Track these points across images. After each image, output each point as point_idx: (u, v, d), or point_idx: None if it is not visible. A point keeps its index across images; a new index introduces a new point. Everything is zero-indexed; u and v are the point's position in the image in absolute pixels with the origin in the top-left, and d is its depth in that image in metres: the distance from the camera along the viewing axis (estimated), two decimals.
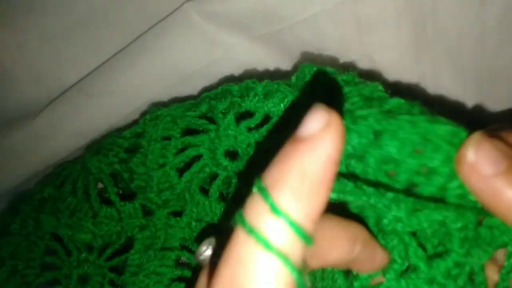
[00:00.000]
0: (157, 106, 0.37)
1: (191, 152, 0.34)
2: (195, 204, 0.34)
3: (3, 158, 0.46)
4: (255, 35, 0.38)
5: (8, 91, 0.42)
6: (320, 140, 0.17)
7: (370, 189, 0.23)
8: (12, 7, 0.38)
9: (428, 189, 0.24)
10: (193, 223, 0.35)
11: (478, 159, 0.22)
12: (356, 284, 0.24)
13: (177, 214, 0.36)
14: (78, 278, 0.38)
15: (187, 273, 0.36)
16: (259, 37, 0.38)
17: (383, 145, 0.24)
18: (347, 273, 0.25)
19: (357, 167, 0.25)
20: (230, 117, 0.32)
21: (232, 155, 0.33)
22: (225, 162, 0.33)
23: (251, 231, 0.16)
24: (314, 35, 0.37)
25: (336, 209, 0.25)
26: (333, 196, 0.23)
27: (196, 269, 0.36)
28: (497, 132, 0.24)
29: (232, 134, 0.32)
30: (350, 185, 0.24)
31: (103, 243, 0.38)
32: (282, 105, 0.31)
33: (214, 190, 0.33)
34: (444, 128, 0.23)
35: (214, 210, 0.34)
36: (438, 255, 0.24)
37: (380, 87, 0.28)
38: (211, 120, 0.34)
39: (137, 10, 0.38)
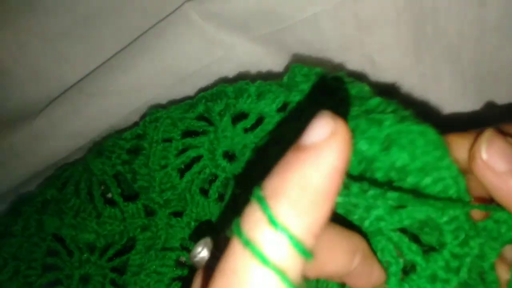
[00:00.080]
0: (156, 108, 0.38)
1: (191, 153, 0.35)
2: (195, 204, 0.35)
3: (3, 158, 0.46)
4: (255, 35, 0.38)
5: (8, 91, 0.42)
6: (324, 149, 0.16)
7: (354, 187, 0.23)
8: (12, 7, 0.38)
9: (405, 187, 0.24)
10: (193, 223, 0.36)
11: (490, 157, 0.23)
12: None
13: (178, 214, 0.37)
14: (79, 279, 0.38)
15: (188, 273, 0.36)
16: (259, 37, 0.38)
17: (355, 144, 0.25)
18: (342, 286, 0.25)
19: None
20: (227, 119, 0.33)
21: (230, 156, 0.34)
22: (223, 163, 0.33)
23: (247, 243, 0.15)
24: (314, 35, 0.37)
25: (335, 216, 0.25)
26: None
27: (193, 269, 0.36)
28: (505, 129, 0.24)
29: (229, 136, 0.33)
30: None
31: (106, 243, 0.39)
32: (274, 105, 0.32)
33: (213, 191, 0.34)
34: (409, 127, 0.23)
35: (212, 210, 0.34)
36: (434, 249, 0.24)
37: (367, 88, 0.29)
38: (209, 121, 0.35)
39: (137, 10, 0.38)
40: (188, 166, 0.35)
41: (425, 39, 0.37)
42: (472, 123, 0.40)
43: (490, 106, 0.40)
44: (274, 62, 0.40)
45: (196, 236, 0.36)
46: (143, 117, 0.39)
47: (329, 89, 0.28)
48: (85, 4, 0.38)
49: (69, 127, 0.44)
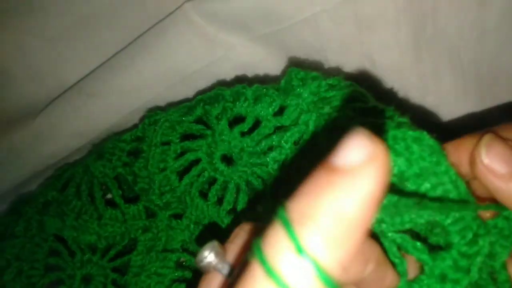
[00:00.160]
0: (154, 110, 0.38)
1: (190, 157, 0.35)
2: (194, 207, 0.36)
3: (3, 158, 0.46)
4: (255, 35, 0.38)
5: (8, 91, 0.42)
6: (361, 175, 0.14)
7: None
8: (12, 7, 0.38)
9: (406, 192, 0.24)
10: (192, 226, 0.36)
11: (491, 160, 0.23)
12: None
13: (178, 216, 0.37)
14: (81, 279, 0.39)
15: (188, 274, 0.37)
16: (259, 37, 0.38)
17: None
18: None
19: None
20: (224, 123, 0.33)
21: (228, 160, 0.34)
22: (221, 166, 0.34)
23: (271, 272, 0.14)
24: (314, 35, 0.37)
25: None
26: None
27: (194, 271, 0.36)
28: (504, 131, 0.24)
29: (227, 140, 0.33)
30: None
31: (107, 244, 0.39)
32: (270, 109, 0.32)
33: (212, 194, 0.34)
34: (404, 134, 0.24)
35: (211, 213, 0.35)
36: (441, 248, 0.24)
37: (364, 93, 0.29)
38: (206, 124, 0.35)
39: (137, 10, 0.38)
40: (187, 169, 0.36)
41: (425, 39, 0.37)
42: (472, 123, 0.40)
43: (490, 106, 0.40)
44: (274, 62, 0.40)
45: (200, 239, 0.36)
46: (142, 119, 0.39)
47: (380, 112, 0.28)
48: (85, 4, 0.38)
49: (69, 127, 0.44)
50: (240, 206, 0.34)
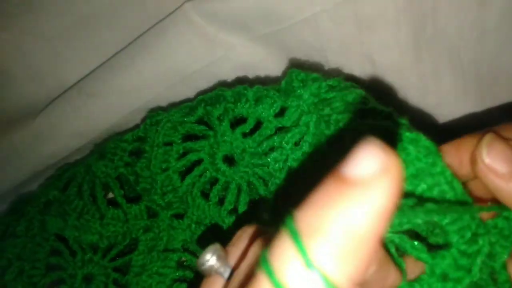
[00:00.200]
0: (156, 110, 0.39)
1: (192, 157, 0.36)
2: (196, 207, 0.36)
3: (3, 158, 0.46)
4: (255, 35, 0.38)
5: (8, 91, 0.42)
6: (374, 187, 0.14)
7: None
8: (11, 7, 0.38)
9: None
10: (193, 226, 0.37)
11: (492, 160, 0.23)
12: None
13: (180, 216, 0.38)
14: (82, 278, 0.39)
15: (189, 274, 0.37)
16: (259, 37, 0.38)
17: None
18: None
19: None
20: (226, 124, 0.34)
21: (230, 160, 0.35)
22: (223, 167, 0.34)
23: (278, 285, 0.13)
24: (314, 35, 0.37)
25: None
26: None
27: (195, 271, 0.36)
28: (504, 131, 0.24)
29: (229, 140, 0.34)
30: None
31: (109, 243, 0.39)
32: (271, 110, 0.32)
33: (213, 194, 0.35)
34: (401, 135, 0.24)
35: (212, 213, 0.35)
36: (440, 247, 0.24)
37: (363, 94, 0.29)
38: (208, 125, 0.35)
39: (137, 10, 0.38)
40: (189, 170, 0.36)
41: (425, 39, 0.37)
42: (472, 123, 0.40)
43: (490, 106, 0.40)
44: (274, 62, 0.40)
45: (202, 240, 0.36)
46: (143, 119, 0.39)
47: (394, 121, 0.28)
48: (85, 4, 0.38)
49: (69, 127, 0.44)
50: (241, 207, 0.34)
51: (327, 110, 0.29)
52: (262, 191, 0.33)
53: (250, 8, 0.36)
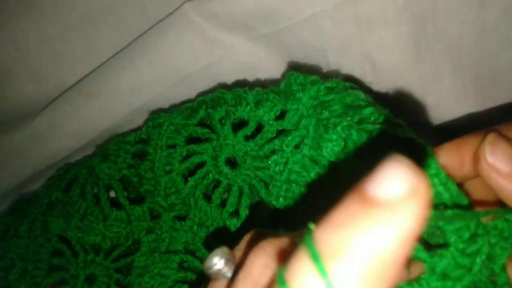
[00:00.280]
0: (157, 112, 0.39)
1: (195, 159, 0.36)
2: (198, 209, 0.36)
3: (3, 158, 0.46)
4: (255, 35, 0.38)
5: (8, 92, 0.42)
6: (402, 210, 0.13)
7: None
8: (11, 7, 0.38)
9: None
10: (195, 227, 0.37)
11: (495, 159, 0.23)
12: None
13: (182, 218, 0.38)
14: (85, 279, 0.39)
15: (191, 275, 0.37)
16: (259, 37, 0.38)
17: (348, 153, 0.26)
18: None
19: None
20: (228, 127, 0.34)
21: (232, 163, 0.35)
22: (225, 169, 0.34)
23: None
24: (314, 35, 0.37)
25: None
26: None
27: (200, 273, 0.36)
28: (506, 131, 0.24)
29: (231, 143, 0.34)
30: None
31: (111, 244, 0.40)
32: (272, 113, 0.32)
33: (216, 196, 0.35)
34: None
35: (214, 215, 0.35)
36: (439, 247, 0.24)
37: (362, 96, 0.29)
38: (210, 127, 0.36)
39: (137, 10, 0.38)
40: (192, 172, 0.36)
41: (425, 39, 0.37)
42: (472, 123, 0.40)
43: (490, 106, 0.40)
44: (274, 62, 0.40)
45: (205, 242, 0.36)
46: (145, 121, 0.40)
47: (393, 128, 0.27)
48: (84, 4, 0.38)
49: (69, 127, 0.44)
50: (242, 209, 0.34)
51: (325, 114, 0.29)
52: (263, 193, 0.33)
53: (250, 8, 0.36)
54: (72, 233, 0.39)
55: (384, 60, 0.38)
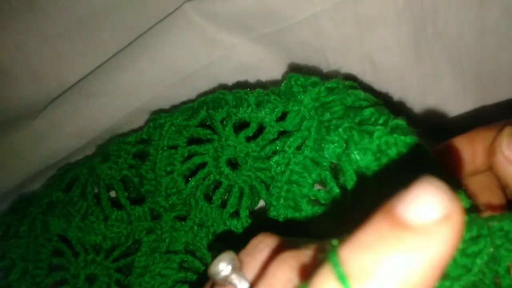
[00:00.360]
0: (158, 113, 0.39)
1: (196, 160, 0.36)
2: (199, 209, 0.36)
3: (3, 158, 0.46)
4: (255, 35, 0.38)
5: (8, 91, 0.42)
6: (435, 236, 0.12)
7: None
8: (11, 7, 0.38)
9: None
10: (195, 228, 0.37)
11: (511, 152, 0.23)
12: None
13: (182, 218, 0.38)
14: (85, 278, 0.39)
15: (191, 275, 0.37)
16: (259, 37, 0.38)
17: (349, 154, 0.26)
18: None
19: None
20: (229, 129, 0.34)
21: (233, 164, 0.35)
22: (226, 170, 0.34)
23: None
24: (314, 35, 0.37)
25: None
26: None
27: (201, 273, 0.36)
28: None
29: (232, 145, 0.34)
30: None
31: (112, 244, 0.40)
32: (273, 115, 0.33)
33: (216, 197, 0.35)
34: (396, 139, 0.25)
35: (214, 216, 0.35)
36: None
37: (362, 95, 0.29)
38: (211, 128, 0.36)
39: (137, 10, 0.38)
40: (193, 173, 0.37)
41: (425, 39, 0.37)
42: (472, 123, 0.40)
43: (490, 106, 0.40)
44: (274, 62, 0.40)
45: (215, 248, 0.36)
46: (146, 122, 0.40)
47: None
48: (85, 4, 0.38)
49: (69, 127, 0.44)
50: (243, 210, 0.34)
51: (327, 116, 0.29)
52: (263, 194, 0.34)
53: (250, 8, 0.36)
54: (73, 233, 0.39)
55: (384, 60, 0.38)
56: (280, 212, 0.31)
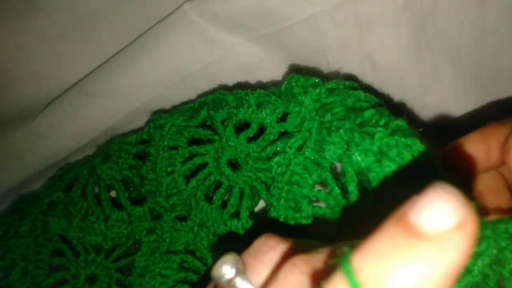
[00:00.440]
0: (158, 114, 0.39)
1: (197, 161, 0.36)
2: (199, 210, 0.36)
3: (3, 158, 0.46)
4: (255, 35, 0.38)
5: (8, 91, 0.42)
6: (449, 244, 0.12)
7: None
8: (11, 7, 0.38)
9: None
10: (196, 228, 0.37)
11: None
12: None
13: (183, 218, 0.38)
14: (85, 278, 0.39)
15: (191, 276, 0.37)
16: (259, 37, 0.38)
17: (351, 155, 0.26)
18: None
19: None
20: (230, 129, 0.34)
21: (234, 165, 0.35)
22: (227, 171, 0.35)
23: None
24: (314, 35, 0.37)
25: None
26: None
27: (201, 273, 0.37)
28: None
29: (233, 145, 0.34)
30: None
31: (113, 244, 0.40)
32: (274, 116, 0.33)
33: (217, 198, 0.35)
34: (397, 141, 0.25)
35: (215, 216, 0.35)
36: None
37: (362, 96, 0.29)
38: (211, 128, 0.36)
39: (137, 10, 0.38)
40: (194, 173, 0.37)
41: (425, 39, 0.37)
42: (472, 123, 0.40)
43: (490, 106, 0.40)
44: (274, 62, 0.40)
45: (217, 250, 0.36)
46: (147, 122, 0.40)
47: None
48: (85, 4, 0.38)
49: (69, 127, 0.44)
50: (243, 210, 0.35)
51: (328, 117, 0.29)
52: (264, 195, 0.34)
53: (250, 8, 0.36)
54: (73, 233, 0.40)
55: (384, 60, 0.38)
56: (281, 212, 0.31)
